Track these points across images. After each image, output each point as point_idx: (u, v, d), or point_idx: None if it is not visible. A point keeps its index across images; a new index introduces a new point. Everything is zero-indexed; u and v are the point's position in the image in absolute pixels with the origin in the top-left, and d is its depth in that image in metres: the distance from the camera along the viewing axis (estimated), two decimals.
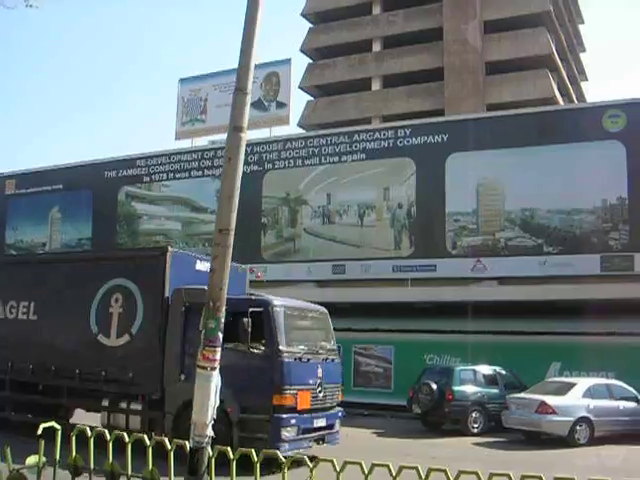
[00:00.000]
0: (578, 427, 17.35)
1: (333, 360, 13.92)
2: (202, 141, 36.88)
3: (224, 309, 8.38)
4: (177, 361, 12.94)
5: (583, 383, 18.71)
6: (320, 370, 13.13)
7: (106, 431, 7.56)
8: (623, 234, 24.80)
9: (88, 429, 7.60)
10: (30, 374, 14.77)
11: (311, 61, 49.57)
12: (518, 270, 25.41)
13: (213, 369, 8.05)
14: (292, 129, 39.55)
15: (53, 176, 37.50)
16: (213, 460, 7.16)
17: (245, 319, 12.14)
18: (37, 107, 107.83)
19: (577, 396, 17.94)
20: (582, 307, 22.91)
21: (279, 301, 13.05)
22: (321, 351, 13.58)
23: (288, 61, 35.44)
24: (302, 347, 12.95)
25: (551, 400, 17.58)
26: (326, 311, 14.58)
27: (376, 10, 47.92)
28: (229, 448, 6.99)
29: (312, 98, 49.18)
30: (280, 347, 12.37)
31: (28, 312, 15.31)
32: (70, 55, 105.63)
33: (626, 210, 24.77)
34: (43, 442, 7.44)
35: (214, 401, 8.02)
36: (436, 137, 28.12)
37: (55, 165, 38.07)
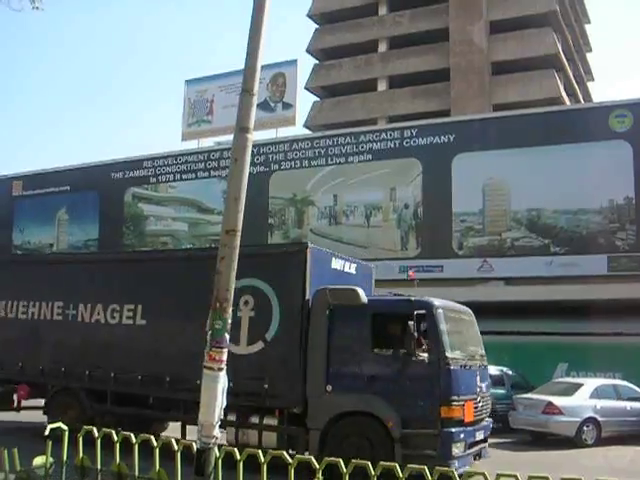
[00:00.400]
0: (585, 428, 17.30)
1: (485, 367, 12.69)
2: (208, 142, 36.99)
3: (231, 310, 8.37)
4: (322, 370, 11.61)
5: (590, 384, 18.67)
6: (478, 378, 11.91)
7: (113, 432, 7.56)
8: (630, 234, 24.77)
9: (95, 430, 7.61)
10: (139, 385, 13.27)
11: (317, 62, 49.53)
12: (524, 270, 25.39)
13: (220, 370, 8.07)
14: (298, 130, 39.66)
15: (60, 177, 37.65)
16: (220, 461, 7.18)
17: (410, 322, 11.00)
18: (37, 107, 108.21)
19: (584, 397, 17.89)
20: (589, 307, 22.89)
21: (439, 302, 11.80)
22: (477, 357, 12.31)
23: (294, 62, 35.52)
24: (461, 353, 11.68)
25: (558, 401, 17.54)
26: (472, 312, 13.27)
27: (382, 11, 47.87)
28: (236, 449, 6.99)
29: (318, 99, 49.15)
30: (447, 353, 11.05)
31: (134, 316, 13.70)
32: (70, 55, 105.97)
33: (633, 210, 24.75)
34: (50, 443, 7.46)
35: (221, 402, 8.03)
36: (442, 137, 28.14)
37: (62, 166, 38.19)
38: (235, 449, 6.96)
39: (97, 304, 14.19)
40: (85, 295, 14.47)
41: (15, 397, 15.29)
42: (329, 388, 11.51)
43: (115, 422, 12.21)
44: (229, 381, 11.91)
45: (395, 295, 12.90)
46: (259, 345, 12.09)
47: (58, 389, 14.36)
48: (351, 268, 13.50)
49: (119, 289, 14.15)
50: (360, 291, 11.71)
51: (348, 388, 11.46)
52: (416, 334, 10.98)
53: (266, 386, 11.83)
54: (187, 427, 13.01)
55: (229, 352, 11.71)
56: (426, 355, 11.08)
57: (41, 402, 14.91)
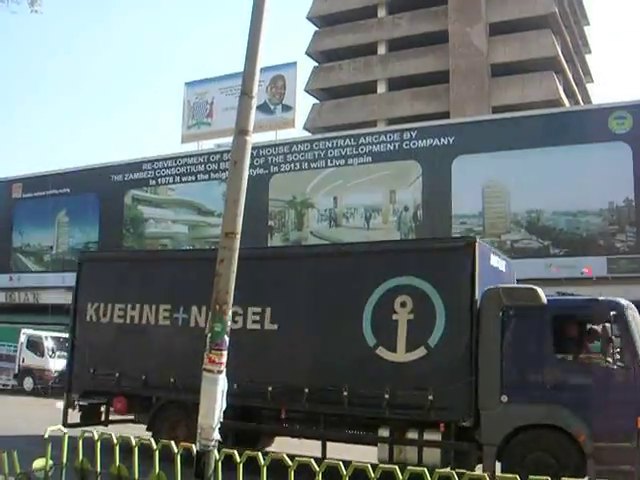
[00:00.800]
0: None
1: None
2: (208, 144, 37.00)
3: (230, 312, 8.37)
4: (495, 378, 10.43)
5: None
6: None
7: (112, 434, 7.56)
8: (630, 236, 24.75)
9: (95, 432, 7.60)
10: (269, 398, 11.82)
11: (317, 64, 49.56)
12: (524, 272, 25.32)
13: (219, 372, 8.07)
14: (298, 132, 39.65)
15: (60, 180, 37.69)
16: (220, 463, 7.17)
17: (606, 325, 10.09)
18: (37, 109, 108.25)
19: None
20: None
21: (625, 301, 10.60)
22: None
23: (294, 64, 35.52)
24: None
25: None
26: None
27: (381, 13, 47.88)
28: (235, 451, 6.96)
29: (318, 101, 49.17)
30: None
31: (262, 320, 12.17)
32: (70, 57, 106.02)
33: (633, 212, 24.74)
34: (50, 445, 7.45)
35: (220, 404, 8.03)
36: (442, 140, 28.14)
37: (62, 169, 38.22)
38: (235, 451, 6.93)
39: None
40: (198, 297, 12.52)
41: (103, 410, 14.09)
42: (504, 399, 10.33)
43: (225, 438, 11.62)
44: (385, 392, 10.80)
45: (562, 295, 11.95)
46: (421, 352, 10.88)
47: (165, 402, 13.00)
48: (502, 265, 12.47)
49: (241, 289, 12.11)
50: (540, 291, 10.69)
51: (527, 398, 10.33)
52: (613, 337, 10.04)
53: (430, 397, 10.56)
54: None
55: (381, 359, 11.16)
56: (618, 360, 10.04)
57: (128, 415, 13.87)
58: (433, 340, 10.78)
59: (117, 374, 13.35)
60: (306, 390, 11.48)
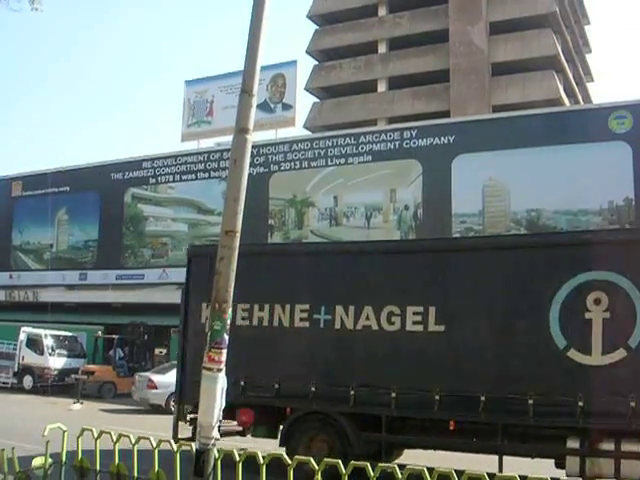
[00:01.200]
0: None
1: None
2: (208, 143, 36.99)
3: (230, 311, 8.35)
4: None
5: None
6: None
7: (112, 432, 7.54)
8: None
9: (94, 430, 7.58)
10: (436, 409, 10.77)
11: (317, 63, 49.54)
12: None
13: (219, 370, 8.06)
14: (298, 131, 39.64)
15: (60, 178, 37.67)
16: (219, 462, 7.16)
17: None
18: (38, 108, 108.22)
19: None
20: None
21: None
22: None
23: (294, 63, 35.52)
24: None
25: None
26: None
27: (382, 12, 47.87)
28: (235, 450, 6.96)
29: (318, 100, 49.16)
30: None
31: (425, 321, 11.10)
32: (70, 56, 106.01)
33: (633, 211, 24.72)
34: (49, 444, 7.44)
35: (220, 403, 8.02)
36: (442, 138, 28.14)
37: (62, 167, 38.21)
38: (234, 450, 6.92)
39: (364, 306, 11.55)
40: (344, 295, 11.83)
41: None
42: None
43: (378, 453, 11.03)
44: (577, 399, 9.82)
45: None
46: (620, 354, 9.91)
47: (301, 414, 11.85)
48: None
49: (398, 287, 11.60)
50: None
51: None
52: None
53: (633, 404, 9.65)
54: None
55: (573, 362, 10.17)
56: None
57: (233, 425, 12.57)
58: (634, 341, 9.88)
59: (242, 382, 11.96)
60: (482, 399, 10.43)
